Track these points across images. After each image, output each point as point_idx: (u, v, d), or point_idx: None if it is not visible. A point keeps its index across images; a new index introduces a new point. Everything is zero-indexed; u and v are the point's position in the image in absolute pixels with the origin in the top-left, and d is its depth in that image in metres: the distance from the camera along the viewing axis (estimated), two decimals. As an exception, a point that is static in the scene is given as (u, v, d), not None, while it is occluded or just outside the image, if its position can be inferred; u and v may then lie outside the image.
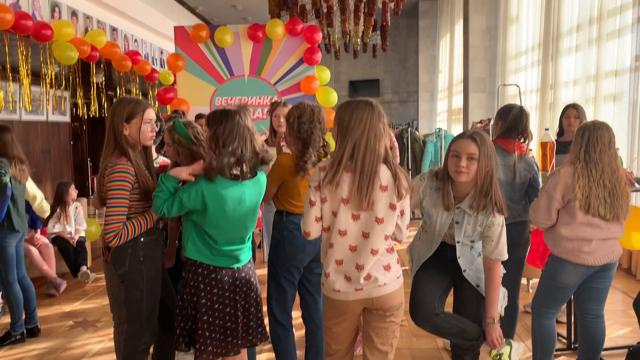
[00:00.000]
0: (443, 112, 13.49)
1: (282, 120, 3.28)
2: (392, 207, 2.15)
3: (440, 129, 8.42)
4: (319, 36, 6.15)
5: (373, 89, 16.42)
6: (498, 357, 2.51)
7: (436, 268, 2.64)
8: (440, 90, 14.03)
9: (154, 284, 2.56)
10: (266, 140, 3.62)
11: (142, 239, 2.48)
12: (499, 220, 2.48)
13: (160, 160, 3.19)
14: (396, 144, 8.10)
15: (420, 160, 8.50)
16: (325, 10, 9.14)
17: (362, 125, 2.10)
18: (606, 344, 3.63)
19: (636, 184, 3.33)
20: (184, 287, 2.44)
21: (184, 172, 2.40)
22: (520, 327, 3.71)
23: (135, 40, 9.28)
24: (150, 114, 2.51)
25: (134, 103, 2.49)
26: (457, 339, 2.59)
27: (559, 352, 3.59)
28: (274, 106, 3.56)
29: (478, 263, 2.60)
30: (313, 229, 2.19)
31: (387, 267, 2.19)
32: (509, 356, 2.50)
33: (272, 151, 3.16)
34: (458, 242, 2.55)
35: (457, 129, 10.98)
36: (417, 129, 14.03)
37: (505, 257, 2.51)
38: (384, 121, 2.13)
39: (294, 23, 6.16)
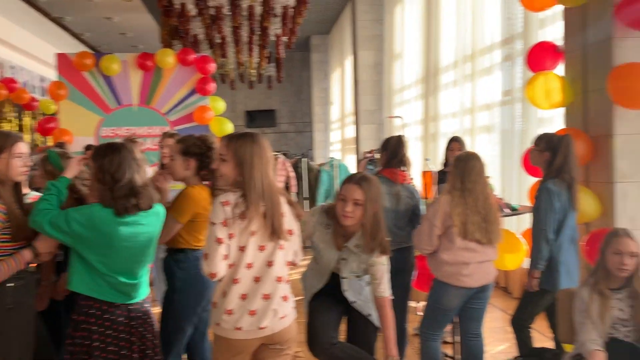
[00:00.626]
0: (337, 142, 13.92)
1: (167, 151, 3.20)
2: (290, 232, 2.21)
3: (333, 159, 8.66)
4: (211, 67, 6.13)
5: (269, 119, 16.57)
6: None
7: (330, 297, 2.69)
8: (333, 121, 14.48)
9: (25, 333, 2.35)
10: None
11: (8, 284, 2.28)
12: (383, 260, 2.58)
13: (31, 195, 2.97)
14: (292, 174, 8.28)
15: (315, 189, 8.66)
16: (219, 40, 9.15)
17: (264, 159, 2.13)
18: (487, 360, 3.88)
19: (506, 210, 3.63)
20: (75, 331, 2.27)
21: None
22: (410, 349, 3.86)
23: (12, 67, 8.67)
24: (21, 147, 2.34)
25: (3, 136, 2.32)
26: None
27: (446, 373, 3.77)
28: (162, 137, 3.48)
29: (367, 292, 2.68)
30: (220, 268, 2.09)
31: (285, 298, 2.20)
32: None
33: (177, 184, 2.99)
34: (344, 277, 2.62)
35: (350, 158, 11.35)
36: (312, 158, 14.31)
37: (388, 294, 2.59)
38: (271, 153, 2.18)
39: (185, 53, 6.10)
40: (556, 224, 3.09)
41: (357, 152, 10.04)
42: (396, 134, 4.12)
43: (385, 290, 2.58)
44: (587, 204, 3.55)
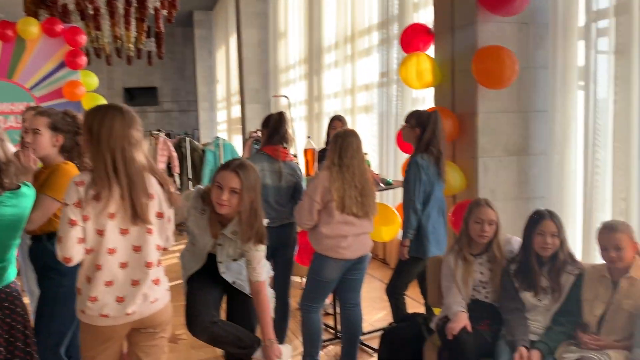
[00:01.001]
0: (223, 122, 13.66)
1: (28, 125, 2.93)
2: (160, 215, 2.09)
3: (218, 138, 8.49)
4: (82, 38, 5.69)
5: (151, 97, 15.83)
6: None
7: (209, 276, 2.64)
8: (219, 100, 14.18)
9: None
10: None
11: None
12: (259, 247, 2.53)
13: None
14: (174, 154, 8.00)
15: (200, 169, 8.45)
16: (91, 12, 8.52)
17: (114, 134, 1.98)
18: (366, 328, 4.07)
19: (381, 184, 3.80)
20: None
21: None
22: (294, 323, 3.93)
23: None
24: None
25: None
26: (233, 348, 2.60)
27: (327, 342, 3.90)
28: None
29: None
30: (75, 253, 1.96)
31: (157, 281, 2.10)
32: None
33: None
34: (220, 262, 2.59)
35: (237, 138, 11.21)
36: (198, 138, 13.93)
37: (265, 278, 2.59)
38: (137, 127, 2.05)
39: (51, 23, 5.60)
40: (424, 196, 3.29)
41: (243, 132, 9.93)
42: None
43: (261, 274, 2.56)
44: (453, 177, 3.81)
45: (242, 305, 2.63)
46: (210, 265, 2.60)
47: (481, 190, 3.83)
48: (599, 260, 2.54)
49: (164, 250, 2.19)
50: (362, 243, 3.16)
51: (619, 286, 2.44)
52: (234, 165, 2.47)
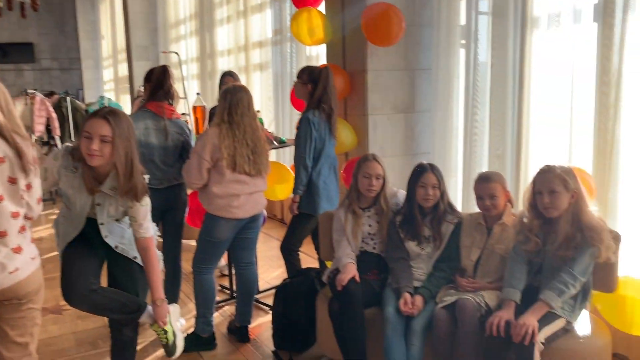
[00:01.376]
0: (110, 81, 12.82)
1: None
2: (12, 180, 1.86)
3: (103, 97, 7.97)
4: None
5: (27, 53, 14.42)
6: (163, 332, 2.48)
7: (87, 242, 2.48)
8: (105, 57, 13.25)
9: None
10: None
11: None
12: (142, 202, 2.39)
13: None
14: (54, 115, 7.39)
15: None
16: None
17: None
18: (263, 287, 4.10)
19: (274, 142, 3.77)
20: None
21: None
22: (187, 286, 3.86)
23: None
24: None
25: None
26: (117, 315, 2.47)
27: (223, 303, 3.88)
28: None
29: (130, 234, 2.51)
30: None
31: (17, 250, 1.91)
32: (171, 324, 2.52)
33: None
34: (102, 223, 2.44)
35: (125, 98, 10.58)
36: (83, 99, 12.98)
37: (151, 234, 2.46)
38: None
39: None
40: (315, 152, 3.31)
41: (132, 92, 9.39)
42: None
43: (147, 230, 2.44)
44: (344, 134, 3.87)
45: (126, 270, 2.49)
46: (88, 231, 2.44)
47: (371, 147, 3.93)
48: (477, 210, 2.71)
49: (29, 219, 1.99)
50: (255, 202, 3.12)
51: (492, 232, 2.63)
52: (104, 112, 2.27)
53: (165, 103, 3.22)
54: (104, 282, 2.50)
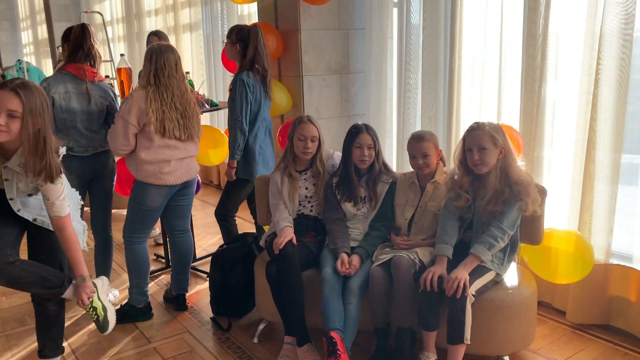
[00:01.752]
0: (29, 44, 11.97)
1: None
2: None
3: (21, 61, 7.41)
4: None
5: None
6: (91, 309, 2.37)
7: (4, 214, 2.31)
8: (22, 18, 12.32)
9: None
10: None
11: None
12: (57, 181, 2.19)
13: None
14: (-35, 81, 6.83)
15: None
16: None
17: None
18: (200, 254, 4.03)
19: (206, 105, 3.64)
20: None
21: None
22: (120, 256, 3.73)
23: None
24: None
25: None
26: (39, 289, 2.32)
27: (159, 272, 3.79)
28: None
29: None
30: None
31: None
32: (99, 298, 2.42)
33: None
34: (11, 199, 2.26)
35: (47, 62, 9.93)
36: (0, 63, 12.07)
37: (66, 212, 2.27)
38: None
39: None
40: (251, 115, 3.22)
41: (53, 55, 8.80)
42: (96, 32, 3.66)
43: (61, 209, 2.24)
44: (279, 96, 3.79)
45: (46, 242, 2.34)
46: (3, 202, 2.27)
47: (307, 109, 3.88)
48: (411, 169, 2.74)
49: None
50: (187, 168, 3.02)
51: (425, 191, 2.67)
52: (14, 85, 2.07)
53: (86, 65, 3.02)
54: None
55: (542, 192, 2.45)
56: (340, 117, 4.05)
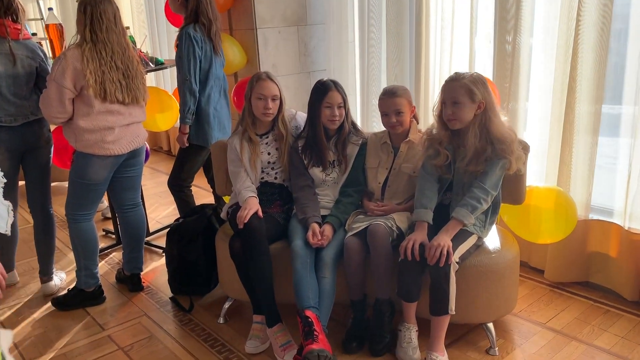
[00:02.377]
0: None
1: None
2: None
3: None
4: None
5: None
6: None
7: None
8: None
9: None
10: None
11: None
12: None
13: None
14: None
15: None
16: None
17: None
18: (154, 227, 3.74)
19: (151, 64, 3.29)
20: None
21: None
22: (64, 234, 3.40)
23: None
24: None
25: None
26: None
27: (109, 250, 3.49)
28: None
29: None
30: None
31: None
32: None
33: None
34: None
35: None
36: None
37: None
38: None
39: None
40: (202, 74, 2.92)
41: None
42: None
43: None
44: (232, 52, 3.47)
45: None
46: None
47: (263, 65, 3.58)
48: (377, 128, 2.53)
49: None
50: (133, 135, 2.70)
51: (399, 151, 2.47)
52: None
53: (8, 20, 2.61)
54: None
55: (525, 148, 2.28)
56: (299, 73, 3.77)
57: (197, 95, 2.90)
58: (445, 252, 2.06)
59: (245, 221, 2.28)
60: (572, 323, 2.44)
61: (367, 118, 3.54)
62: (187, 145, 2.99)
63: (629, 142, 2.47)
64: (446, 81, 2.23)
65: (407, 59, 3.29)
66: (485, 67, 2.93)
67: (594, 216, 2.65)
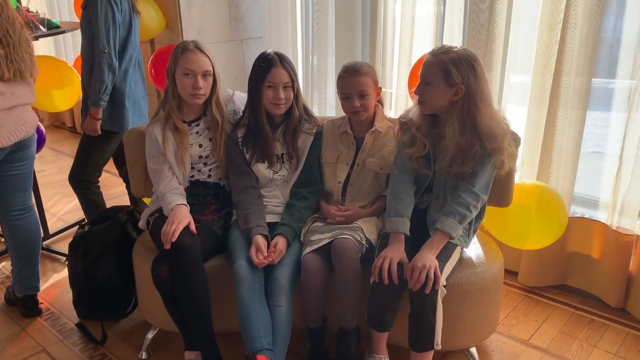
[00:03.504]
0: None
1: None
2: None
3: None
4: None
5: None
6: None
7: None
8: None
9: None
10: None
11: None
12: None
13: None
14: None
15: None
16: None
17: None
18: (55, 227, 3.10)
19: (42, 28, 2.59)
20: None
21: None
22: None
23: None
24: None
25: None
26: None
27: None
28: None
29: None
30: None
31: None
32: None
33: None
34: None
35: None
36: None
37: None
38: None
39: None
40: (119, 44, 2.32)
41: None
42: None
43: None
44: (148, 16, 2.85)
45: None
46: None
47: (186, 32, 2.99)
48: (323, 114, 2.06)
49: None
50: (18, 121, 2.08)
51: (363, 143, 2.02)
52: None
53: None
54: None
55: (516, 140, 1.90)
56: (230, 41, 3.19)
57: (117, 71, 2.31)
58: (432, 275, 1.65)
59: (174, 240, 1.75)
60: (557, 338, 2.15)
61: (312, 101, 3.05)
62: (99, 132, 2.39)
63: (622, 117, 2.14)
64: (427, 53, 1.79)
65: (359, 25, 2.81)
66: (454, 39, 2.52)
67: (575, 209, 2.35)
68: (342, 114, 2.08)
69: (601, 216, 2.30)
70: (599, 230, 2.29)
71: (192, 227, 1.83)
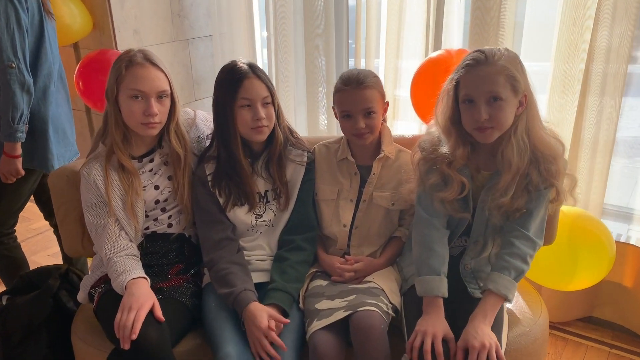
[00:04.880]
0: None
1: None
2: None
3: None
4: None
5: None
6: None
7: None
8: None
9: None
10: None
11: None
12: None
13: None
14: None
15: None
16: None
17: None
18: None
19: None
20: None
21: None
22: None
23: None
24: None
25: None
26: None
27: None
28: None
29: None
30: None
31: None
32: None
33: None
34: None
35: None
36: None
37: None
38: None
39: None
40: (31, 55, 1.76)
41: None
42: None
43: None
44: (70, 13, 2.27)
45: None
46: None
47: (119, 32, 2.42)
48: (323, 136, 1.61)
49: None
50: None
51: (369, 173, 1.58)
52: None
53: None
54: None
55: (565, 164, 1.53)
56: (173, 42, 2.65)
57: (33, 90, 1.73)
58: (494, 356, 1.25)
59: (134, 337, 1.24)
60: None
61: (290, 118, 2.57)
62: (23, 174, 1.81)
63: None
64: (467, 64, 1.35)
65: (332, 18, 2.36)
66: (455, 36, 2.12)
67: (607, 220, 2.02)
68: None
69: (634, 234, 1.99)
70: (633, 254, 1.98)
71: (158, 311, 1.32)
